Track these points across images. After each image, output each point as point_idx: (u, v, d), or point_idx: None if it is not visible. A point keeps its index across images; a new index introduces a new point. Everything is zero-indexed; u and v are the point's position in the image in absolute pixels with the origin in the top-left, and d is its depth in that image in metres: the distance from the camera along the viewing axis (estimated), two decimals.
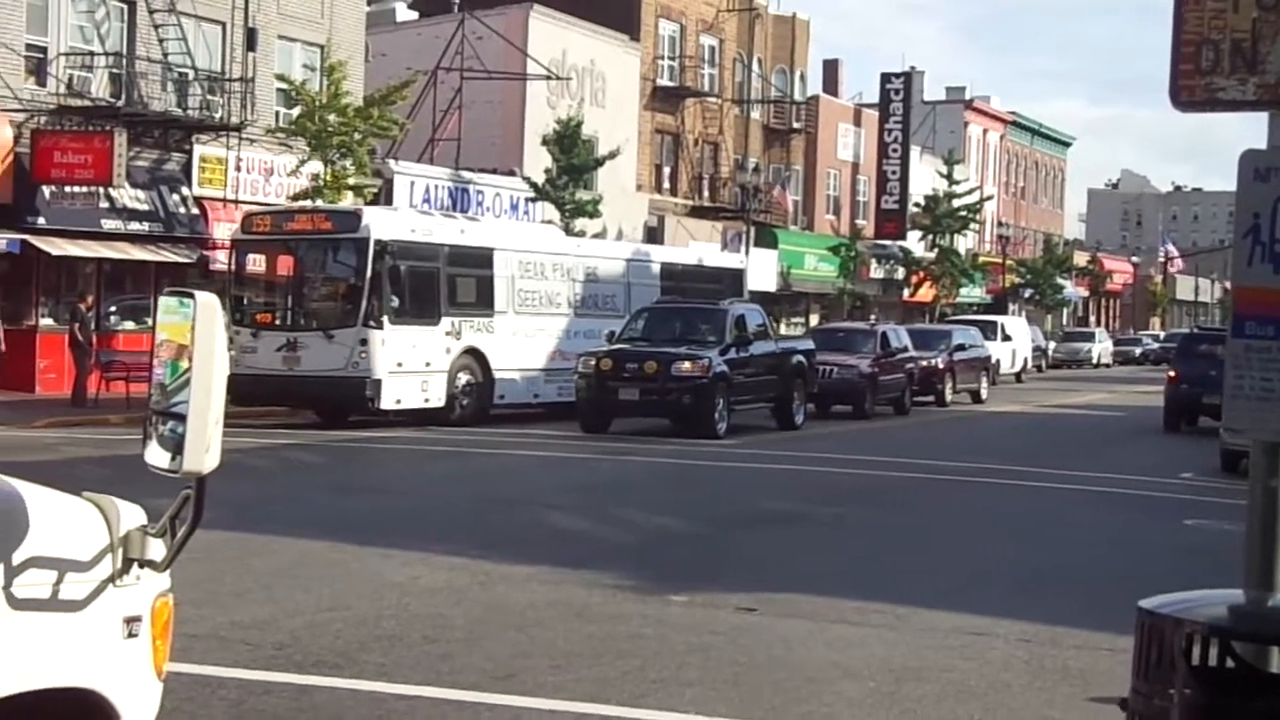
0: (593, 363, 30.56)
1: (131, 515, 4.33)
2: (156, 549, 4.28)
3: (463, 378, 31.93)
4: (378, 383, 29.76)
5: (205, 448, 3.92)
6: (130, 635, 4.31)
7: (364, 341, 29.66)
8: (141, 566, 4.29)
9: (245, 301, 31.99)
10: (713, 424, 29.92)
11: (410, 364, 30.43)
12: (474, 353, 32.29)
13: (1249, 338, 5.73)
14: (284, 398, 30.86)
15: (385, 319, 29.91)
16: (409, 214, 35.11)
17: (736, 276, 42.43)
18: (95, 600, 4.18)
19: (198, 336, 3.95)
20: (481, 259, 33.27)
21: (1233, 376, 5.77)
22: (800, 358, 34.26)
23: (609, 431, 30.37)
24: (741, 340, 31.98)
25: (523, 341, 33.85)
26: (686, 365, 30.04)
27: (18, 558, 3.96)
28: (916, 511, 20.47)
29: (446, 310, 31.79)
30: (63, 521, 4.17)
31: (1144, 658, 5.11)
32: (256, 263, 32.57)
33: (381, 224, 30.72)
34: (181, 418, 3.96)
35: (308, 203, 36.09)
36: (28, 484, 4.15)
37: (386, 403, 30.07)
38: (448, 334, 31.66)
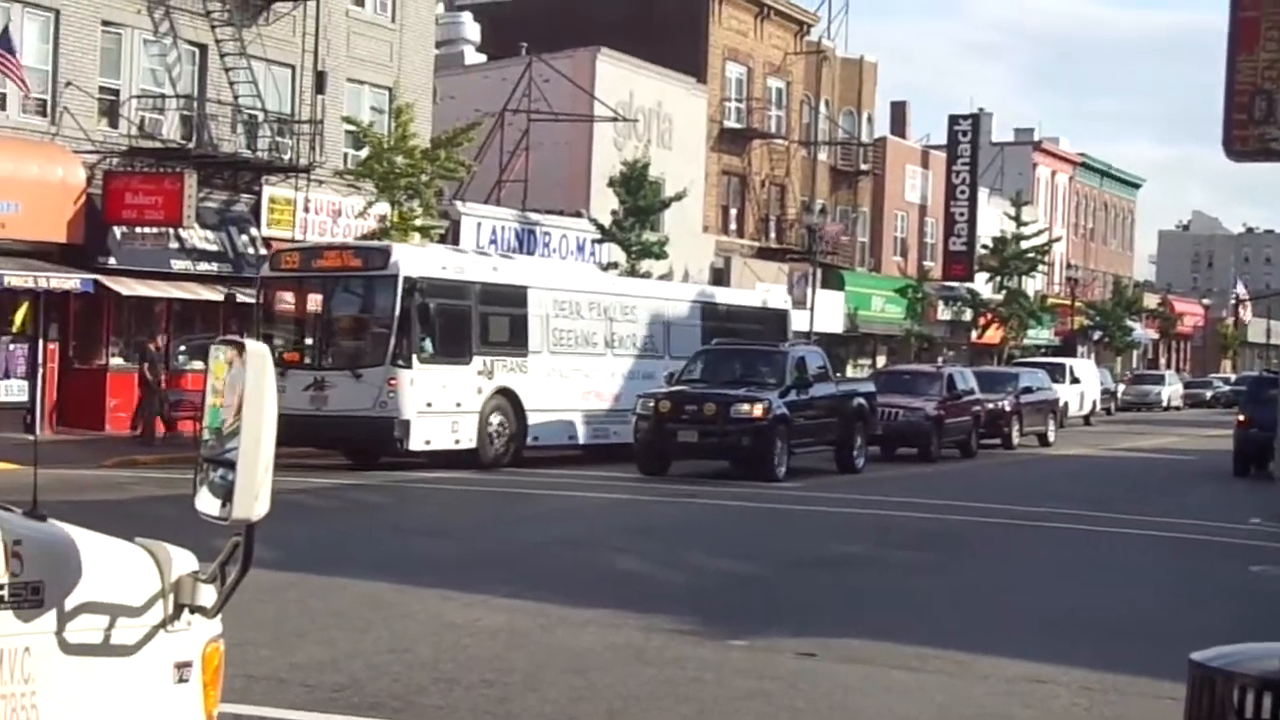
0: (651, 404, 30.34)
1: (183, 561, 4.37)
2: (207, 595, 4.31)
3: (495, 419, 31.12)
4: (406, 423, 29.07)
5: (255, 495, 3.96)
6: (181, 680, 4.34)
7: (392, 381, 28.94)
8: (192, 612, 4.32)
9: (272, 340, 30.61)
10: (772, 467, 29.62)
11: (440, 404, 29.76)
12: (507, 393, 31.47)
13: None
14: (311, 438, 29.30)
15: (414, 358, 29.21)
16: (440, 251, 34.40)
17: (781, 317, 41.62)
18: (146, 646, 4.22)
19: (248, 385, 3.99)
20: (515, 297, 32.52)
21: None
22: (861, 400, 33.96)
23: (667, 474, 30.17)
24: (802, 382, 31.73)
25: (557, 382, 33.01)
26: (746, 407, 29.78)
27: (70, 603, 4.02)
28: (979, 556, 20.38)
29: (478, 349, 30.98)
30: (115, 567, 4.21)
31: (1196, 710, 5.09)
32: (285, 300, 31.94)
33: (411, 261, 30.10)
34: (232, 464, 4.01)
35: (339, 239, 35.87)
36: (81, 530, 4.21)
37: (415, 444, 29.37)
38: (479, 373, 30.89)
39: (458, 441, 30.30)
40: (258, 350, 4.02)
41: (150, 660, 4.24)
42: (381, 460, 30.25)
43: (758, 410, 29.79)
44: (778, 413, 30.13)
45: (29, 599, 3.94)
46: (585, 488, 27.75)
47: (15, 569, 3.90)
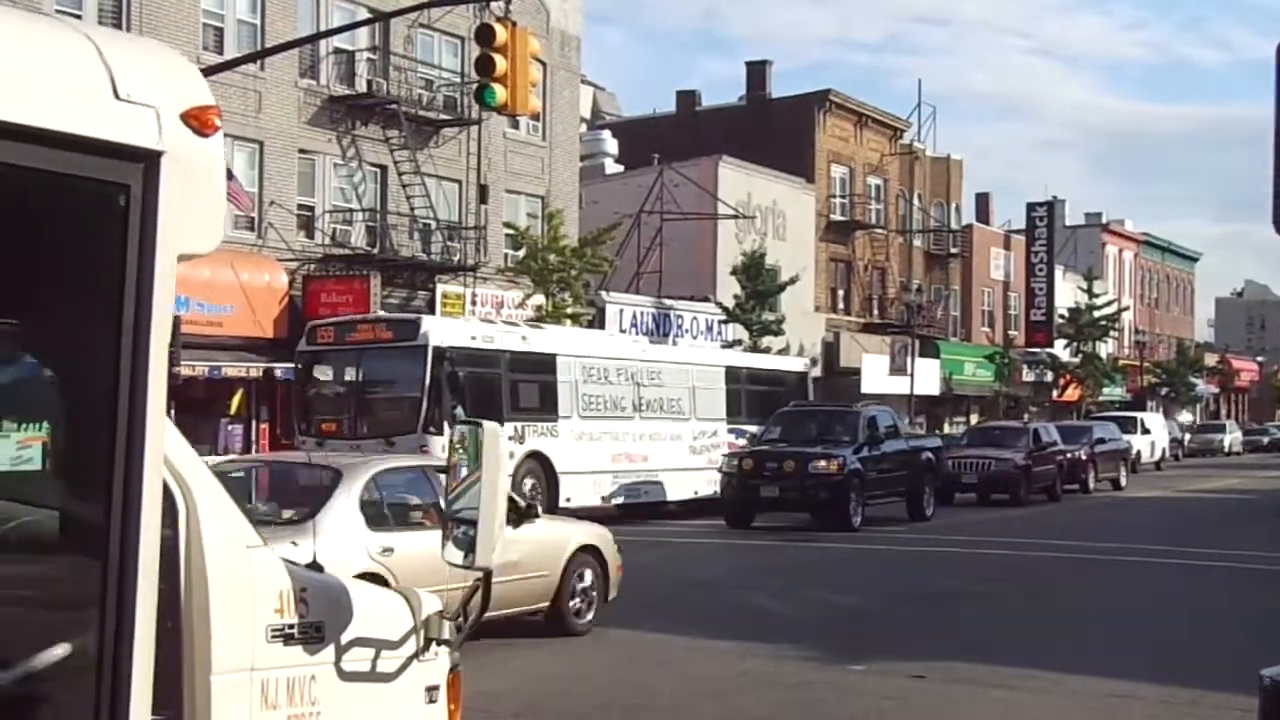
0: (736, 463, 29.59)
1: (430, 603, 4.70)
2: (450, 630, 4.66)
3: (528, 482, 28.32)
4: None
5: (492, 547, 4.25)
6: (431, 701, 4.69)
7: (424, 448, 25.67)
8: (439, 645, 4.65)
9: (310, 411, 28.47)
10: (848, 517, 28.61)
11: None
12: (538, 456, 28.92)
13: None
14: None
15: (445, 425, 25.81)
16: (471, 323, 31.52)
17: (800, 378, 39.16)
18: (403, 673, 4.56)
19: (485, 457, 4.27)
20: (544, 365, 30.01)
21: None
22: (929, 454, 32.99)
23: (749, 527, 29.14)
24: (873, 439, 30.67)
25: (588, 445, 30.40)
26: (822, 463, 28.87)
27: (345, 639, 4.38)
28: (1064, 587, 20.12)
29: (509, 415, 27.94)
30: (378, 609, 4.57)
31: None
32: (322, 373, 29.03)
33: (440, 332, 27.79)
34: (472, 523, 4.27)
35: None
36: (351, 580, 4.56)
37: None
38: (511, 438, 27.76)
39: None
40: (492, 429, 4.33)
41: (407, 685, 4.58)
42: None
43: (833, 466, 28.90)
44: (851, 468, 29.18)
45: (313, 636, 4.27)
46: (679, 538, 27.08)
47: (302, 612, 4.24)
